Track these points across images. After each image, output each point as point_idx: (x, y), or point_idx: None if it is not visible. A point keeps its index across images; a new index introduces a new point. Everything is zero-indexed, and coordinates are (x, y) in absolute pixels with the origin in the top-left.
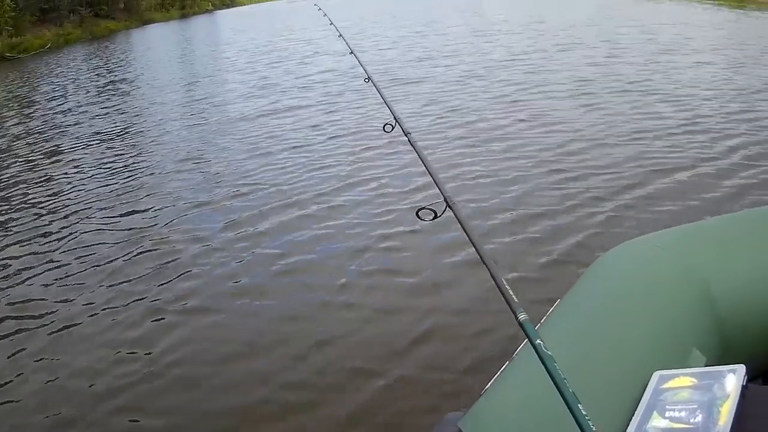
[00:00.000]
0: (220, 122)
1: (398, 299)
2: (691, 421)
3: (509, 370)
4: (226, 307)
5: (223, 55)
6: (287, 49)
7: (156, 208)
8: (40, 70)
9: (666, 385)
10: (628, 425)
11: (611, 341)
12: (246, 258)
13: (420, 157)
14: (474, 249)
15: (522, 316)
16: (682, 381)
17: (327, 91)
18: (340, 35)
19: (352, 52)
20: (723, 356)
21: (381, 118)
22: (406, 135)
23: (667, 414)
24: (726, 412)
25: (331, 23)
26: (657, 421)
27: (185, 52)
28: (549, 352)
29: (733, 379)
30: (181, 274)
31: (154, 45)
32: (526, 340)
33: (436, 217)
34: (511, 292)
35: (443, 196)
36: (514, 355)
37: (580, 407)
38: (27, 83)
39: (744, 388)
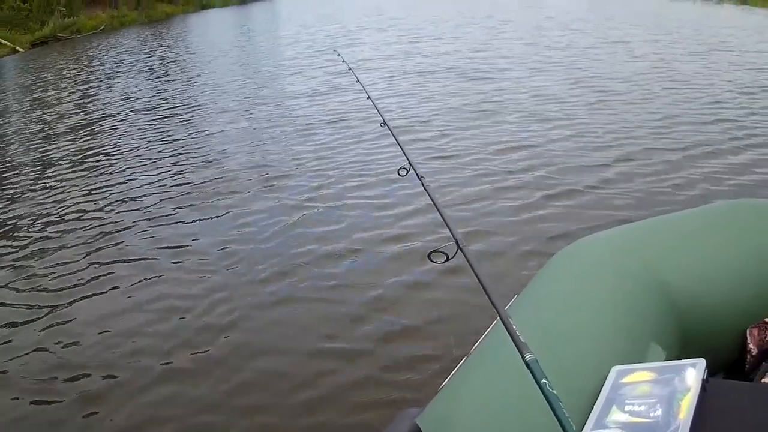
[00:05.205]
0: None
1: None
2: (651, 414)
3: (466, 367)
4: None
5: (278, 49)
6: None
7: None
8: (92, 50)
9: (625, 380)
10: (586, 421)
11: (568, 337)
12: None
13: (433, 202)
14: (483, 291)
15: (529, 357)
16: (641, 375)
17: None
18: (358, 80)
19: (368, 98)
20: (683, 351)
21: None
22: (419, 179)
23: (626, 408)
24: (686, 405)
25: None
26: (616, 416)
27: (241, 40)
28: (554, 392)
29: (693, 372)
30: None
31: (212, 30)
32: (483, 336)
33: (447, 259)
34: (518, 333)
35: (454, 239)
36: (471, 350)
37: None
38: (78, 62)
39: (705, 381)
